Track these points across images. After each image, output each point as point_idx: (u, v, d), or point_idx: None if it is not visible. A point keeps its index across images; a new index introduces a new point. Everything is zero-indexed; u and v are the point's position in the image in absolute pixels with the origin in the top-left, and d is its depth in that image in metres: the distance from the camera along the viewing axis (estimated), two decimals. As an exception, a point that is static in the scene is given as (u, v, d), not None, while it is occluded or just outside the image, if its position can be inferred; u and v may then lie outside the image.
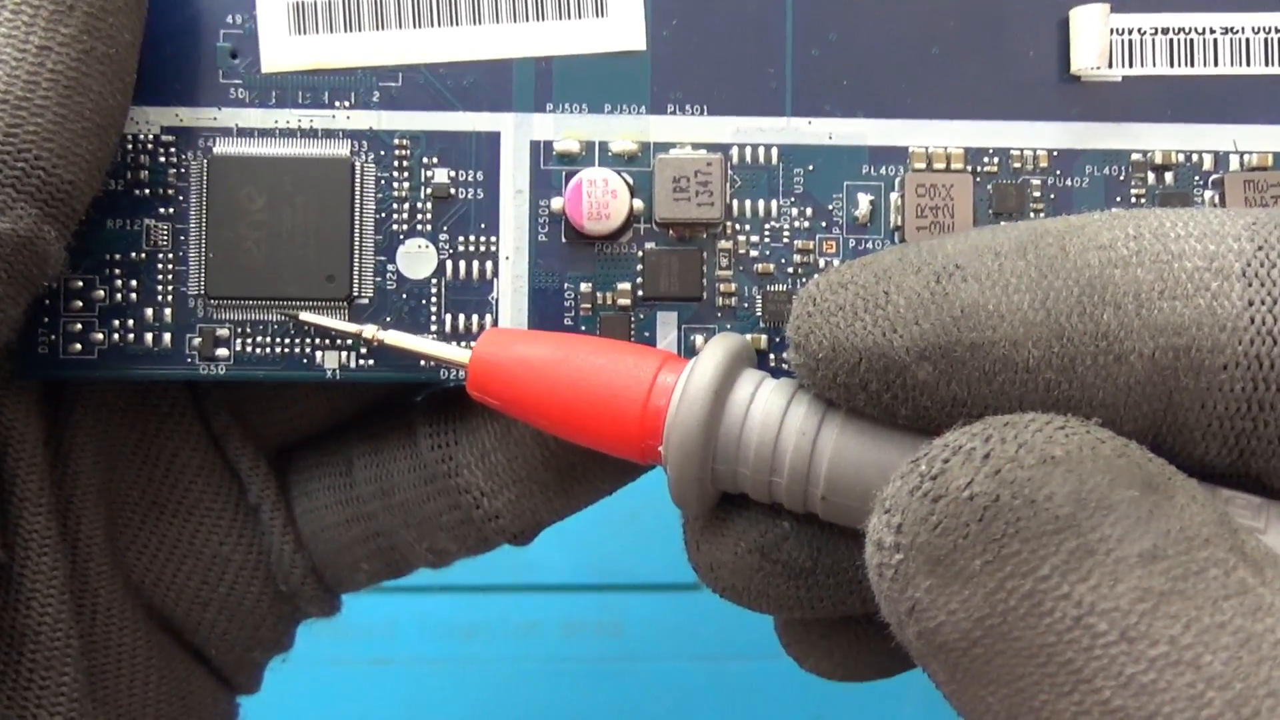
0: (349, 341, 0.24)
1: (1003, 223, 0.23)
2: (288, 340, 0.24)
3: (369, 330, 0.24)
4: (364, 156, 0.24)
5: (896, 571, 0.17)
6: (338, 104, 0.24)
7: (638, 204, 0.24)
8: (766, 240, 0.24)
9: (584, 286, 0.24)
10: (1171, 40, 0.25)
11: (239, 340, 0.24)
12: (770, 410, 0.21)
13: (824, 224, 0.24)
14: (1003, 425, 0.17)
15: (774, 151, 0.24)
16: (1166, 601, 0.16)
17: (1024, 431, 0.17)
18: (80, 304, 0.24)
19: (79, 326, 0.24)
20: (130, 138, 0.24)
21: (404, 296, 0.24)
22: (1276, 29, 0.25)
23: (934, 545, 0.17)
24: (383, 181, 0.24)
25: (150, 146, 0.24)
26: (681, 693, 0.44)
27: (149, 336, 0.24)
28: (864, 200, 0.24)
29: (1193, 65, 0.25)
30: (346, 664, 0.43)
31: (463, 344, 0.24)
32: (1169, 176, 0.25)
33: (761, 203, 0.24)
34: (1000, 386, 0.19)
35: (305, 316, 0.24)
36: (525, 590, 0.43)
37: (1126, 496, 0.17)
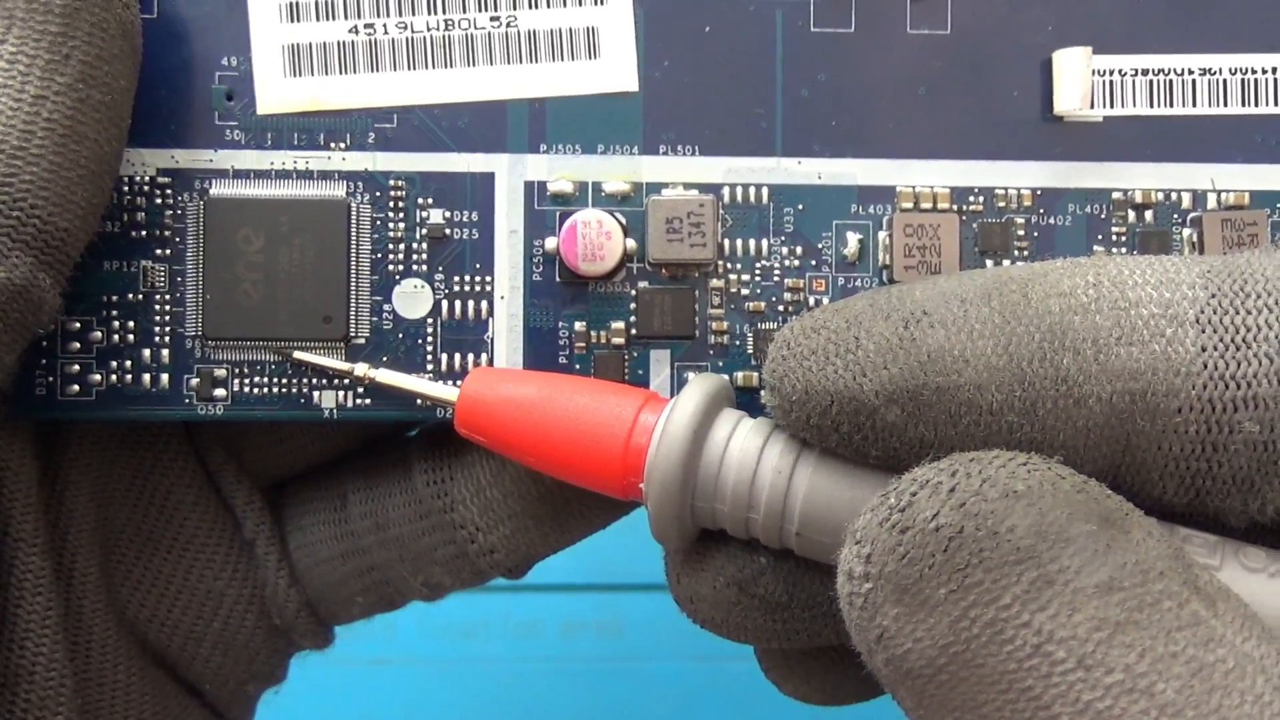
0: (346, 380, 0.24)
1: (971, 269, 0.23)
2: (285, 380, 0.24)
3: (360, 369, 0.24)
4: (360, 197, 0.25)
5: (866, 600, 0.18)
6: (333, 145, 0.25)
7: (631, 244, 0.24)
8: (758, 279, 0.25)
9: (578, 325, 0.25)
10: (1151, 81, 0.25)
11: (236, 381, 0.24)
12: (747, 449, 0.21)
13: (814, 263, 0.25)
14: (968, 461, 0.18)
15: (764, 191, 0.25)
16: (1122, 631, 0.17)
17: (988, 467, 0.18)
18: (78, 345, 0.24)
19: (77, 368, 0.24)
20: (126, 180, 0.24)
21: (400, 336, 0.25)
22: (1254, 70, 0.25)
23: (901, 574, 0.17)
24: (378, 222, 0.25)
25: (147, 188, 0.24)
26: (681, 693, 0.44)
27: (146, 377, 0.24)
28: (853, 239, 0.25)
29: (1172, 106, 0.25)
30: (346, 664, 0.43)
31: (455, 383, 0.24)
32: (1149, 215, 0.25)
33: (753, 242, 0.25)
34: (965, 428, 0.19)
35: (299, 355, 0.24)
36: (525, 590, 0.43)
37: (1085, 530, 0.17)
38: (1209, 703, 0.16)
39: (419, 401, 0.24)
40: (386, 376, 0.24)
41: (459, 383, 0.24)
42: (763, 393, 0.21)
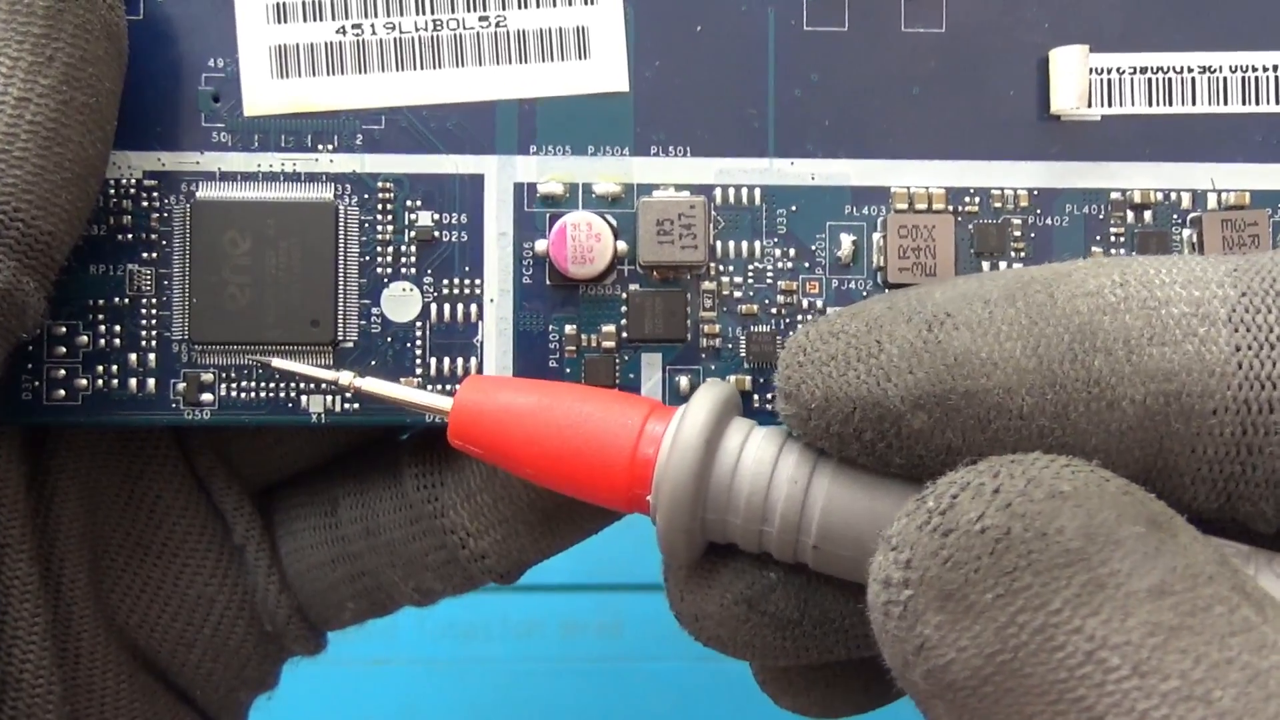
0: (330, 386, 0.24)
1: (986, 270, 0.23)
2: (272, 385, 0.24)
3: (345, 377, 0.23)
4: (347, 200, 0.24)
5: (905, 608, 0.17)
6: (321, 147, 0.24)
7: (621, 247, 0.24)
8: (750, 281, 0.25)
9: (569, 329, 0.24)
10: (1150, 80, 0.25)
11: (223, 385, 0.24)
12: (761, 459, 0.21)
13: (807, 264, 0.25)
14: (1009, 463, 0.18)
15: (757, 192, 0.25)
16: (1176, 636, 0.16)
17: (1031, 468, 0.17)
18: (64, 350, 0.24)
19: (63, 373, 0.24)
20: (112, 183, 0.24)
21: (388, 340, 0.24)
22: (1254, 68, 0.25)
23: (945, 579, 0.17)
24: (366, 225, 0.24)
25: (133, 191, 0.24)
26: (681, 693, 0.44)
27: (133, 382, 0.24)
28: (846, 241, 0.25)
29: (1171, 104, 0.25)
30: (346, 664, 0.42)
31: (446, 389, 0.24)
32: (1148, 215, 0.25)
33: (745, 244, 0.25)
34: (995, 434, 0.19)
35: (277, 363, 0.24)
36: (525, 590, 0.43)
37: (1134, 532, 0.17)
38: (1266, 710, 0.16)
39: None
40: (372, 386, 0.23)
41: (450, 389, 0.23)
42: (776, 400, 0.21)
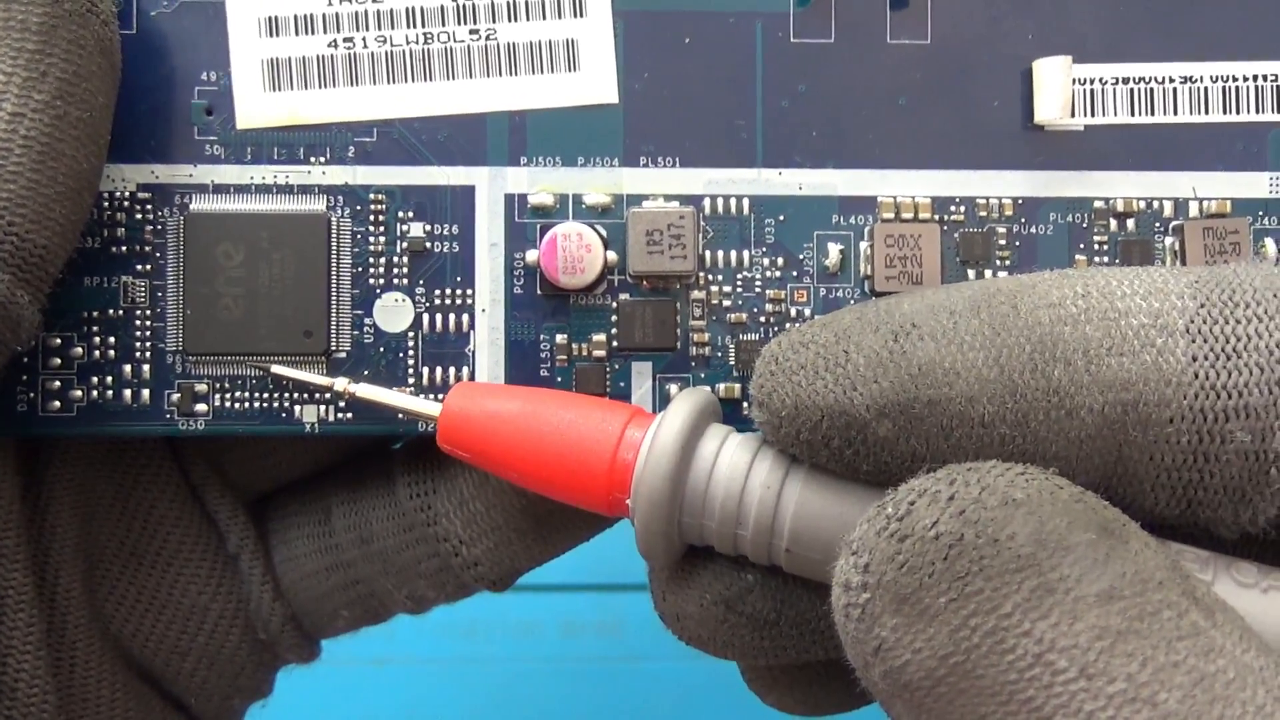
0: (327, 395, 0.24)
1: (971, 278, 0.23)
2: (266, 395, 0.24)
3: (340, 384, 0.24)
4: (340, 212, 0.25)
5: (863, 611, 0.18)
6: (313, 160, 0.25)
7: (611, 257, 0.24)
8: (739, 290, 0.25)
9: (559, 338, 0.25)
10: (1132, 90, 0.25)
11: (218, 396, 0.24)
12: (736, 465, 0.21)
13: (795, 274, 0.25)
14: (966, 471, 0.18)
15: (745, 202, 0.25)
16: (1123, 640, 0.17)
17: (986, 476, 0.18)
18: (59, 362, 0.24)
19: (58, 384, 0.24)
20: (106, 195, 0.24)
21: (381, 350, 0.25)
22: (1234, 78, 0.25)
23: (900, 583, 0.17)
24: (359, 236, 0.25)
25: (126, 204, 0.24)
26: (681, 693, 0.44)
27: (127, 393, 0.24)
28: (834, 250, 0.25)
29: (1153, 114, 0.25)
30: (346, 664, 0.42)
31: (437, 397, 0.24)
32: (1130, 223, 0.25)
33: (734, 253, 0.25)
34: (957, 441, 0.19)
35: (277, 369, 0.24)
36: (525, 590, 0.43)
37: (1084, 539, 0.17)
38: (1211, 713, 0.16)
39: (400, 416, 0.24)
40: (367, 392, 0.24)
41: (440, 397, 0.24)
42: (751, 408, 0.21)
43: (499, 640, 0.44)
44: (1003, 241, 0.25)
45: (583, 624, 0.44)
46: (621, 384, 0.25)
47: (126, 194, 0.24)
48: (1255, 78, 0.25)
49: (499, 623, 0.44)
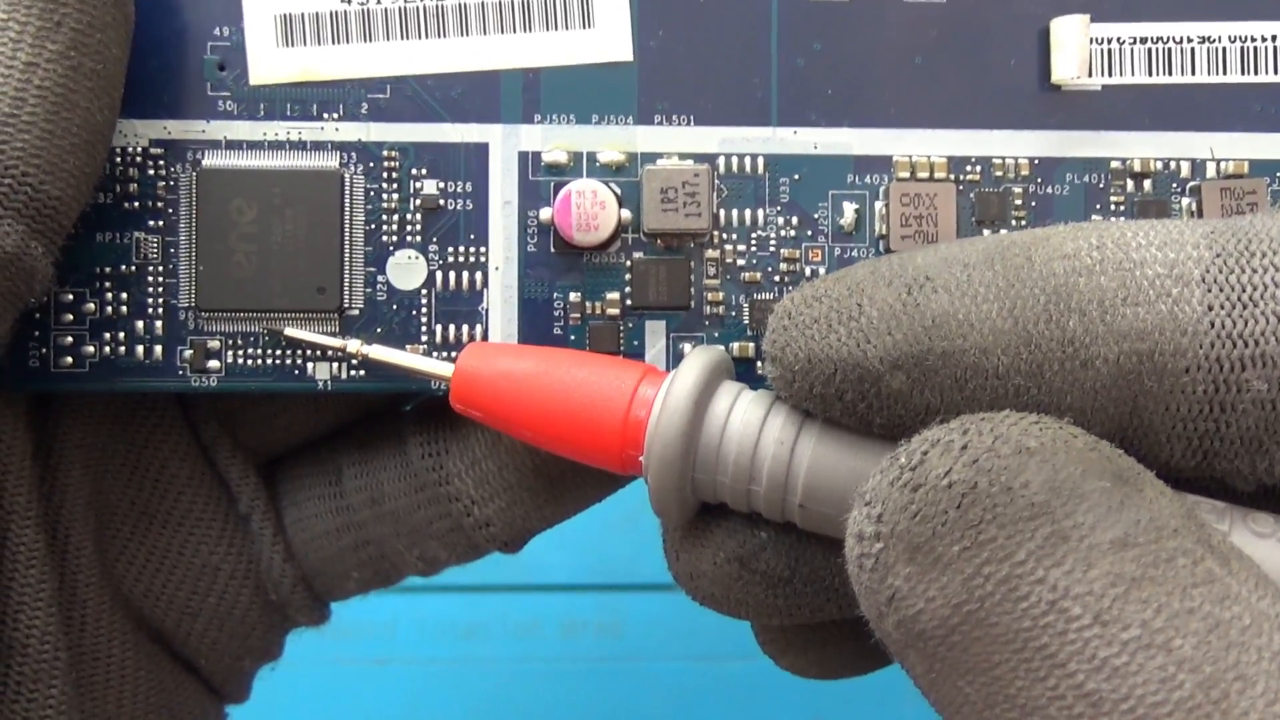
0: (340, 354, 0.24)
1: (972, 236, 0.23)
2: (279, 352, 0.24)
3: (354, 345, 0.24)
4: (353, 168, 0.24)
5: (877, 561, 0.18)
6: (326, 116, 0.24)
7: (626, 215, 0.24)
8: (753, 249, 0.25)
9: (573, 296, 0.25)
10: (1150, 50, 0.25)
11: (230, 352, 0.24)
12: (749, 420, 0.21)
13: (810, 233, 0.25)
14: (979, 420, 0.18)
15: (760, 161, 0.25)
16: (1138, 587, 0.16)
17: (1000, 425, 0.18)
18: (71, 317, 0.24)
19: (70, 339, 0.24)
20: (119, 151, 0.24)
21: (394, 308, 0.24)
22: (1253, 38, 0.25)
23: (913, 533, 0.17)
24: (372, 193, 0.24)
25: (139, 159, 0.24)
26: (681, 693, 0.44)
27: (140, 349, 0.24)
28: (849, 209, 0.25)
29: (1171, 74, 0.25)
30: (346, 664, 0.43)
31: (449, 356, 0.24)
32: (1147, 184, 0.25)
33: (748, 212, 0.25)
34: (971, 393, 0.19)
35: (290, 332, 0.24)
36: (525, 590, 0.43)
37: (1098, 486, 0.17)
38: (1227, 659, 0.16)
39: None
40: (380, 353, 0.24)
41: (453, 356, 0.24)
42: (764, 364, 0.21)
43: (499, 640, 0.44)
44: (1019, 202, 0.25)
45: (583, 624, 0.44)
46: (635, 343, 0.25)
47: (139, 149, 0.24)
48: (1274, 38, 0.25)
49: (499, 623, 0.44)
